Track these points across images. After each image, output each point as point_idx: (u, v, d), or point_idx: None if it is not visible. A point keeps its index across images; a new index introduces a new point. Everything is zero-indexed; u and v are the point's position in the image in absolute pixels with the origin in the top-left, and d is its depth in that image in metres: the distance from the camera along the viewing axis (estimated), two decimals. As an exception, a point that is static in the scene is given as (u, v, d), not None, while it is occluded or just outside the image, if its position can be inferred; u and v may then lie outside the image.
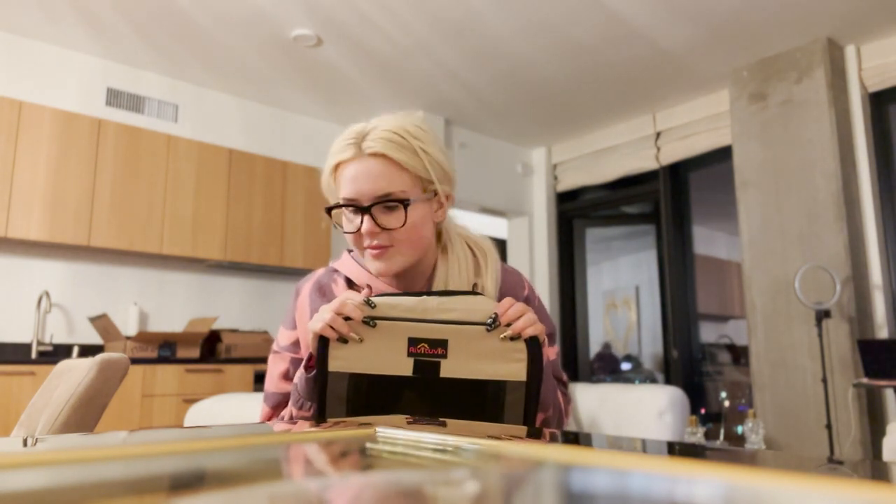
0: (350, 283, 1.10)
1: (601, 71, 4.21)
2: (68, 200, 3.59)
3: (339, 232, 1.09)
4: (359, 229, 1.00)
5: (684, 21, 3.58)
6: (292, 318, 1.11)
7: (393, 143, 1.00)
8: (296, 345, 1.10)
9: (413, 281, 1.09)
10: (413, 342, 0.92)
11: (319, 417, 0.94)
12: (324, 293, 1.09)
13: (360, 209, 0.99)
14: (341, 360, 0.93)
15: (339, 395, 0.93)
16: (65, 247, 3.73)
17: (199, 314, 4.22)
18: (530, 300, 1.13)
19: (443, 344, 0.92)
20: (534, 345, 0.93)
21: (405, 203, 0.99)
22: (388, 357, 0.92)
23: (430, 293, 0.96)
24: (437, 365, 0.92)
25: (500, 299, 1.05)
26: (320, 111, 4.82)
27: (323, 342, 0.93)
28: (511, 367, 0.93)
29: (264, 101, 4.66)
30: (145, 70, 4.19)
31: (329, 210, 1.06)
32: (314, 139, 4.87)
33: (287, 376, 1.09)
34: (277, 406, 1.09)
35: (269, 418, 1.11)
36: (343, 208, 1.03)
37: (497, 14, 3.51)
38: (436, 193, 1.06)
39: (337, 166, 1.03)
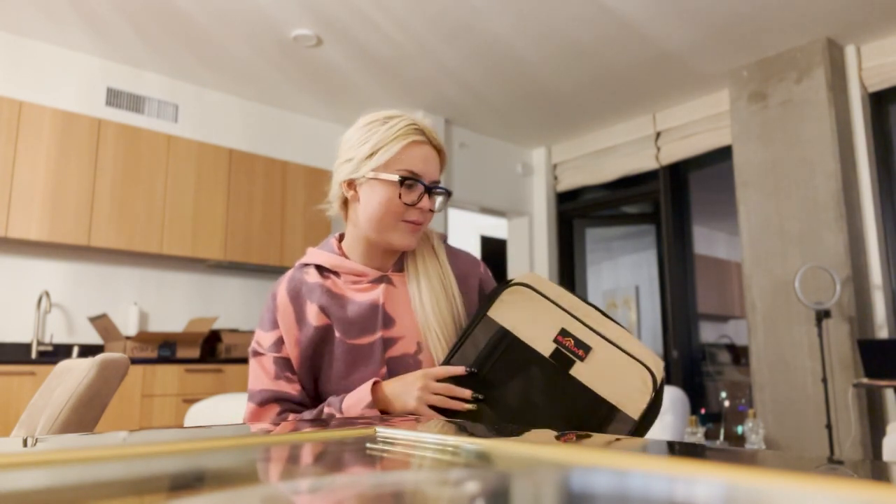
0: (320, 271, 1.15)
1: (601, 71, 4.21)
2: (68, 200, 3.59)
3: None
4: (415, 204, 1.09)
5: (684, 21, 3.58)
6: (272, 320, 1.14)
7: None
8: (278, 343, 1.13)
9: (385, 260, 1.16)
10: (564, 333, 1.00)
11: (450, 354, 1.03)
12: (298, 292, 1.14)
13: (424, 187, 1.10)
14: (502, 313, 1.01)
15: (479, 340, 1.01)
16: (65, 247, 3.73)
17: (199, 314, 4.22)
18: (484, 280, 1.21)
19: (587, 349, 1.00)
20: (658, 394, 1.00)
21: (450, 194, 1.16)
22: (537, 332, 1.01)
23: (591, 304, 1.05)
24: (573, 363, 0.99)
25: (456, 278, 1.16)
26: (320, 111, 4.82)
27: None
28: (632, 403, 0.98)
29: (264, 101, 4.66)
30: (145, 70, 4.19)
31: (403, 179, 1.09)
32: (314, 139, 4.87)
33: (276, 377, 1.12)
34: (265, 403, 1.12)
35: (256, 416, 1.13)
36: (408, 180, 1.10)
37: (497, 14, 3.51)
38: None
39: (409, 143, 1.11)
